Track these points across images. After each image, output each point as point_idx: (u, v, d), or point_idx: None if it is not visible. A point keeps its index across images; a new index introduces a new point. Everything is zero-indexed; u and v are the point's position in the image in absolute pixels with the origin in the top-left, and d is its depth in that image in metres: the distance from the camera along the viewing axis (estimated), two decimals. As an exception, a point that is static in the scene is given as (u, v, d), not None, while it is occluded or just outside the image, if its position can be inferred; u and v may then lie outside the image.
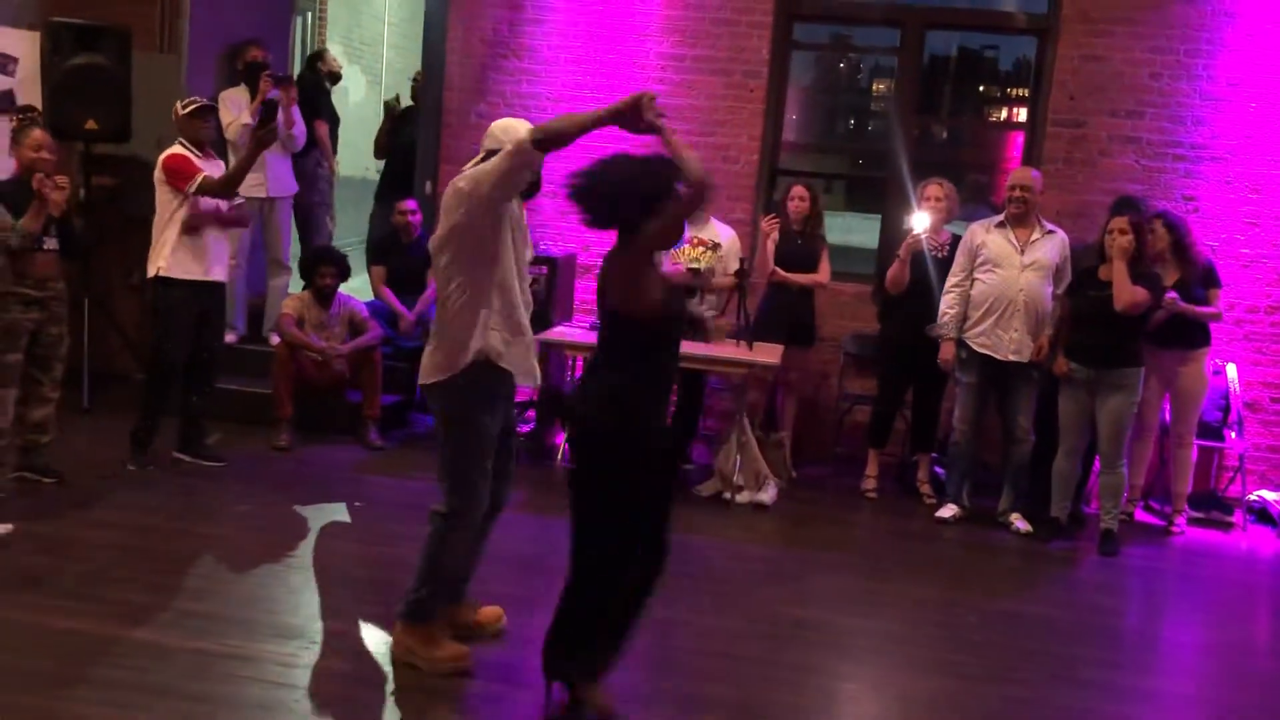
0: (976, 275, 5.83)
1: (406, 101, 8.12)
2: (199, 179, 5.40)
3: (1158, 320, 5.68)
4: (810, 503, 6.10)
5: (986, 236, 5.83)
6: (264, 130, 5.53)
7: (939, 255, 6.03)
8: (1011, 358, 5.74)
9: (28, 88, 6.62)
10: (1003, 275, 5.74)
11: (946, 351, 5.88)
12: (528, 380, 3.68)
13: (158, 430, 5.65)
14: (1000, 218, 5.87)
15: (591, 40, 7.03)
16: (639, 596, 3.36)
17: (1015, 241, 5.77)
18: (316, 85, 7.67)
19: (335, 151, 7.94)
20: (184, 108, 5.59)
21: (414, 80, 8.11)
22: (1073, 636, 4.55)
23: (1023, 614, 4.76)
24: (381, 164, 8.09)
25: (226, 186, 5.47)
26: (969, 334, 5.83)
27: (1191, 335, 5.87)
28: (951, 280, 5.88)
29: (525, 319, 3.67)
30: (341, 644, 3.88)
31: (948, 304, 5.87)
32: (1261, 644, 4.80)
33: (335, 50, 9.97)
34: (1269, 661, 4.61)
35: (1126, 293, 5.36)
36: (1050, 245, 5.78)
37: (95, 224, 6.50)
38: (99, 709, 3.30)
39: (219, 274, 5.63)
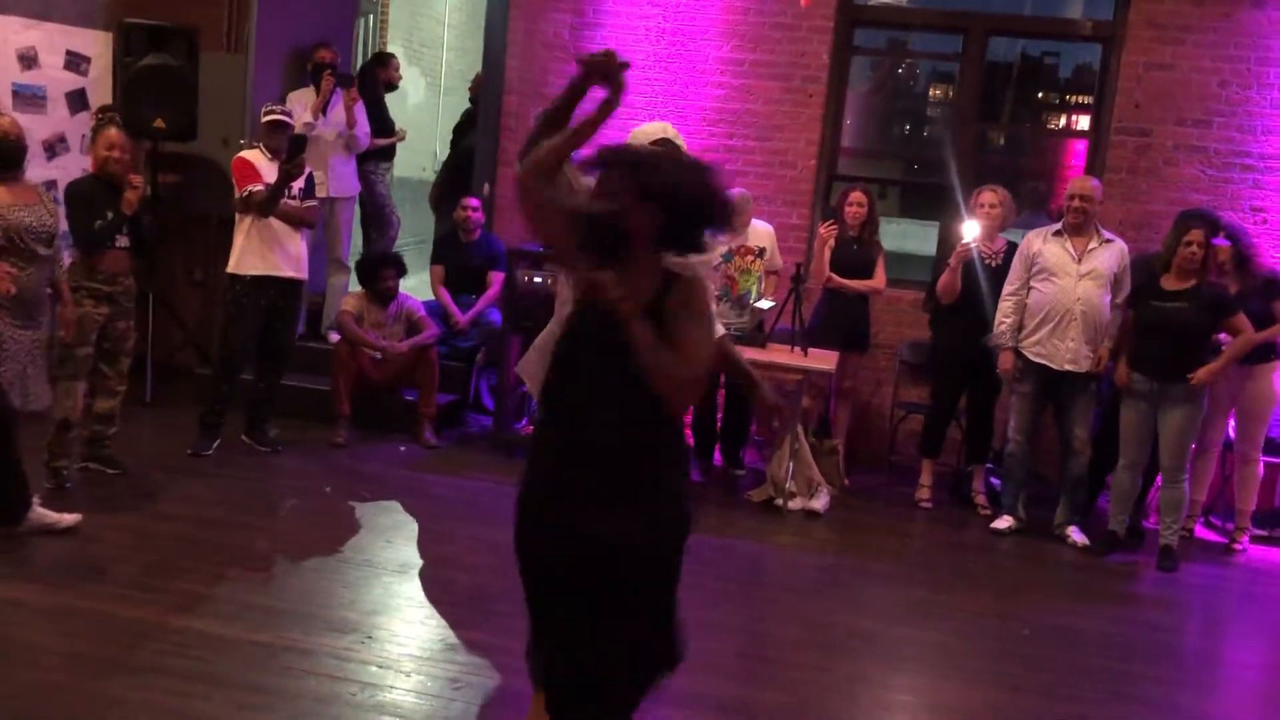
0: (1033, 284, 5.75)
1: (464, 105, 8.20)
2: (246, 191, 5.64)
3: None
4: (863, 511, 6.07)
5: (1043, 245, 5.76)
6: (291, 165, 5.66)
7: (993, 264, 5.97)
8: (1068, 368, 5.66)
9: (100, 87, 6.78)
10: (1059, 284, 5.67)
11: (1005, 361, 5.81)
12: None
13: (224, 420, 5.80)
14: (1058, 226, 5.79)
15: (651, 44, 7.04)
16: None
17: (1072, 250, 5.69)
18: (374, 89, 7.73)
19: (395, 153, 8.02)
20: (264, 116, 5.77)
21: (472, 84, 8.19)
22: (1130, 653, 4.49)
23: (1078, 628, 4.70)
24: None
25: (261, 209, 5.64)
26: (1025, 343, 5.76)
27: (1257, 349, 5.74)
28: (1008, 289, 5.82)
29: None
30: (396, 639, 3.92)
31: (1004, 312, 5.80)
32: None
33: (395, 50, 10.08)
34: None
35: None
36: (1108, 254, 5.70)
37: (160, 221, 6.64)
38: (161, 696, 3.36)
39: (290, 270, 5.76)
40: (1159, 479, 5.69)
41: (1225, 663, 4.81)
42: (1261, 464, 6.01)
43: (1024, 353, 5.77)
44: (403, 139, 7.92)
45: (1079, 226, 5.70)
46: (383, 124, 7.56)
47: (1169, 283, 5.48)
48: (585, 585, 2.54)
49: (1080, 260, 5.67)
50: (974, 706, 3.88)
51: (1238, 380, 5.79)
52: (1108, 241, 5.73)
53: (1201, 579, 5.53)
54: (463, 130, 8.19)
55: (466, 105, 8.31)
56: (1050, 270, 5.70)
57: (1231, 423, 5.98)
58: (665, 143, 3.12)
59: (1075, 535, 5.75)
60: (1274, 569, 5.82)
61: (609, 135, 2.82)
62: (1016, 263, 5.83)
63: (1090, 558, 5.62)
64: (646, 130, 3.36)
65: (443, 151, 8.66)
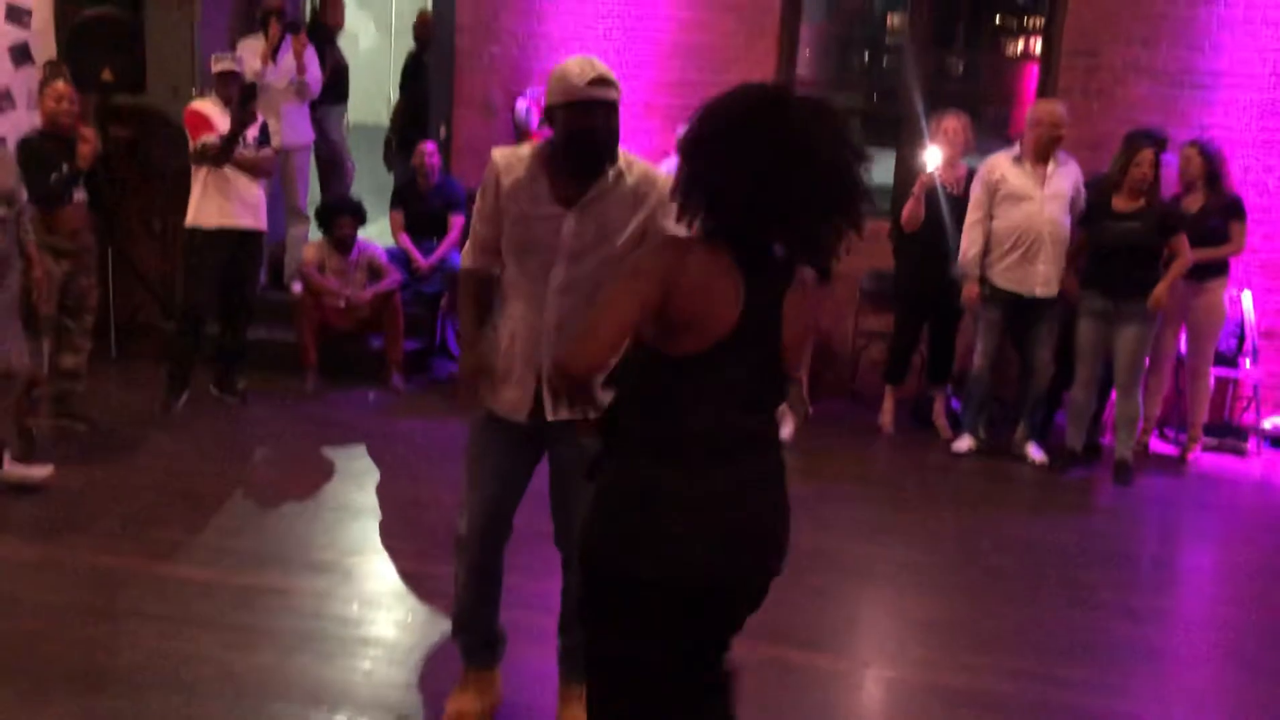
0: (997, 211, 5.78)
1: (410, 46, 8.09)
2: (200, 142, 5.60)
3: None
4: (828, 437, 6.18)
5: (1006, 170, 5.79)
6: (243, 112, 5.61)
7: (955, 191, 6.03)
8: (1039, 293, 5.73)
9: (43, 40, 6.65)
10: (1026, 210, 5.70)
11: (971, 291, 5.85)
12: None
13: (191, 373, 5.82)
14: (1016, 150, 5.84)
15: (603, -23, 6.99)
16: None
17: (1036, 174, 5.75)
18: (321, 35, 7.62)
19: (347, 96, 7.94)
20: (213, 66, 5.73)
21: (415, 25, 8.07)
22: (1087, 562, 4.65)
23: (1038, 541, 4.85)
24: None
25: (215, 159, 5.60)
26: (993, 271, 5.81)
27: (1208, 264, 5.86)
28: (973, 217, 5.83)
29: None
30: (374, 576, 4.02)
31: (970, 241, 5.82)
32: (1271, 566, 4.87)
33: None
34: (1275, 582, 4.68)
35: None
36: (1067, 175, 5.76)
37: (115, 175, 6.57)
38: (147, 639, 3.44)
39: (249, 220, 5.75)
40: (1114, 395, 5.84)
41: (1178, 567, 4.99)
42: (1212, 377, 6.18)
43: (992, 280, 5.82)
44: (344, 65, 7.79)
45: (1047, 152, 5.74)
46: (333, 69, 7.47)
47: (1120, 203, 5.58)
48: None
49: (1044, 184, 5.74)
50: (938, 617, 4.03)
51: (1189, 296, 5.92)
52: (1064, 163, 5.80)
53: (1156, 490, 5.71)
54: (410, 74, 8.09)
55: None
56: (1016, 195, 5.72)
57: (1182, 337, 6.13)
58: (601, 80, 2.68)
59: (1034, 453, 5.90)
60: (1224, 478, 6.01)
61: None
62: (979, 189, 5.84)
63: (1049, 474, 5.77)
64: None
65: (396, 97, 8.57)
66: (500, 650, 3.17)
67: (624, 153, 2.80)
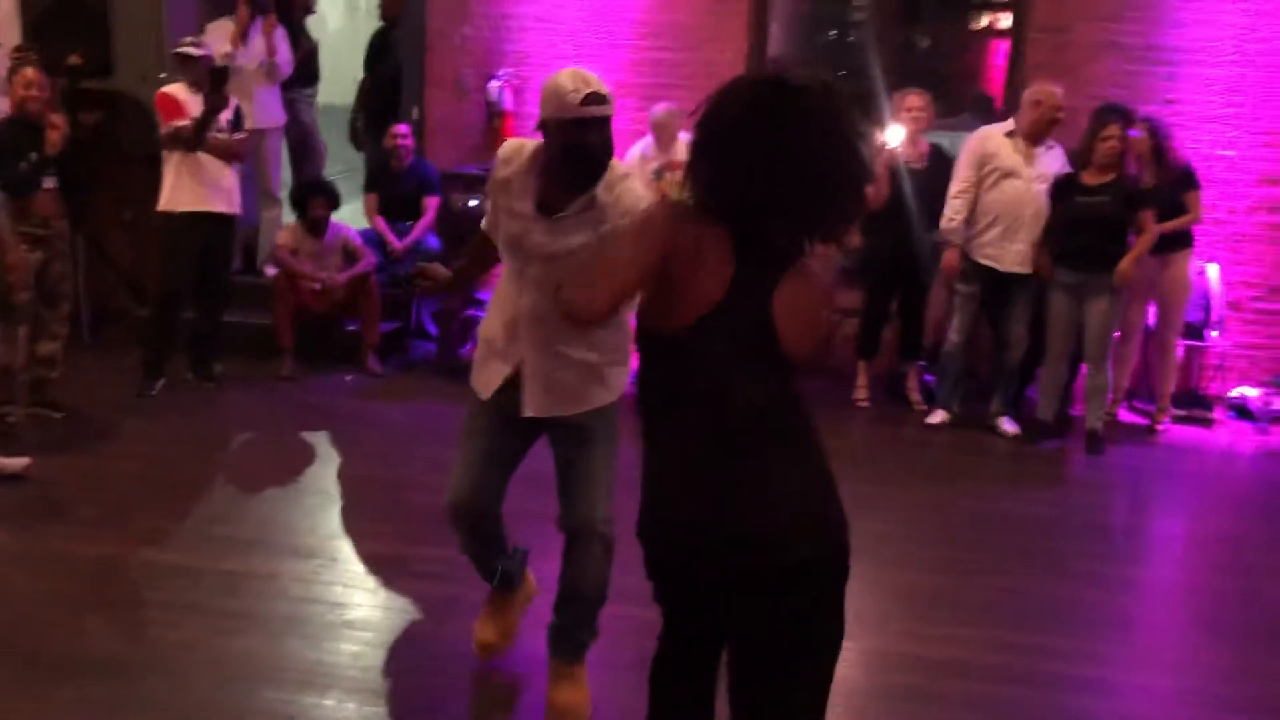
0: (983, 184, 5.80)
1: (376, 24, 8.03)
2: (171, 127, 5.58)
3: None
4: (804, 413, 6.23)
5: (999, 145, 5.80)
6: (215, 97, 5.58)
7: (917, 167, 6.08)
8: (1015, 269, 5.80)
9: (7, 24, 6.57)
10: (1015, 188, 5.75)
11: (952, 258, 5.89)
12: None
13: (167, 358, 5.80)
14: (1010, 126, 5.85)
15: (575, -42, 6.98)
16: None
17: (1027, 153, 5.78)
18: (287, 15, 7.54)
19: (318, 78, 7.89)
20: (172, 52, 5.69)
21: (381, 3, 8.00)
22: (1061, 532, 4.74)
23: (1014, 512, 4.94)
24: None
25: (187, 144, 5.57)
26: (972, 245, 5.86)
27: (1173, 237, 5.95)
28: (958, 186, 5.85)
29: None
30: (359, 560, 4.03)
31: (954, 210, 5.84)
32: (1239, 534, 4.99)
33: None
34: (1246, 551, 4.79)
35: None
36: (1054, 159, 5.82)
37: (84, 160, 6.50)
38: (135, 626, 3.46)
39: (222, 205, 5.72)
40: (1084, 368, 5.93)
41: (1149, 535, 5.10)
42: (1180, 348, 6.28)
43: (970, 255, 5.88)
44: (314, 46, 7.72)
45: (1043, 133, 5.76)
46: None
47: (1089, 177, 5.65)
48: None
49: (1032, 164, 5.79)
50: (918, 589, 4.10)
51: (1156, 268, 6.01)
52: (1052, 147, 5.85)
53: (1126, 460, 5.81)
54: (377, 52, 8.02)
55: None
56: (1006, 171, 5.76)
57: (1150, 309, 6.23)
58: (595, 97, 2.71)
59: (1007, 425, 5.99)
60: (1193, 447, 6.13)
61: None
62: (968, 160, 5.85)
63: (1022, 446, 5.86)
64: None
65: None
66: (519, 573, 3.38)
67: (613, 167, 2.81)
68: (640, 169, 6.14)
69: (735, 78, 2.12)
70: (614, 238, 2.20)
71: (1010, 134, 5.84)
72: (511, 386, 2.94)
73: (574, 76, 2.70)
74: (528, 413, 2.92)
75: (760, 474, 2.08)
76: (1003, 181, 5.78)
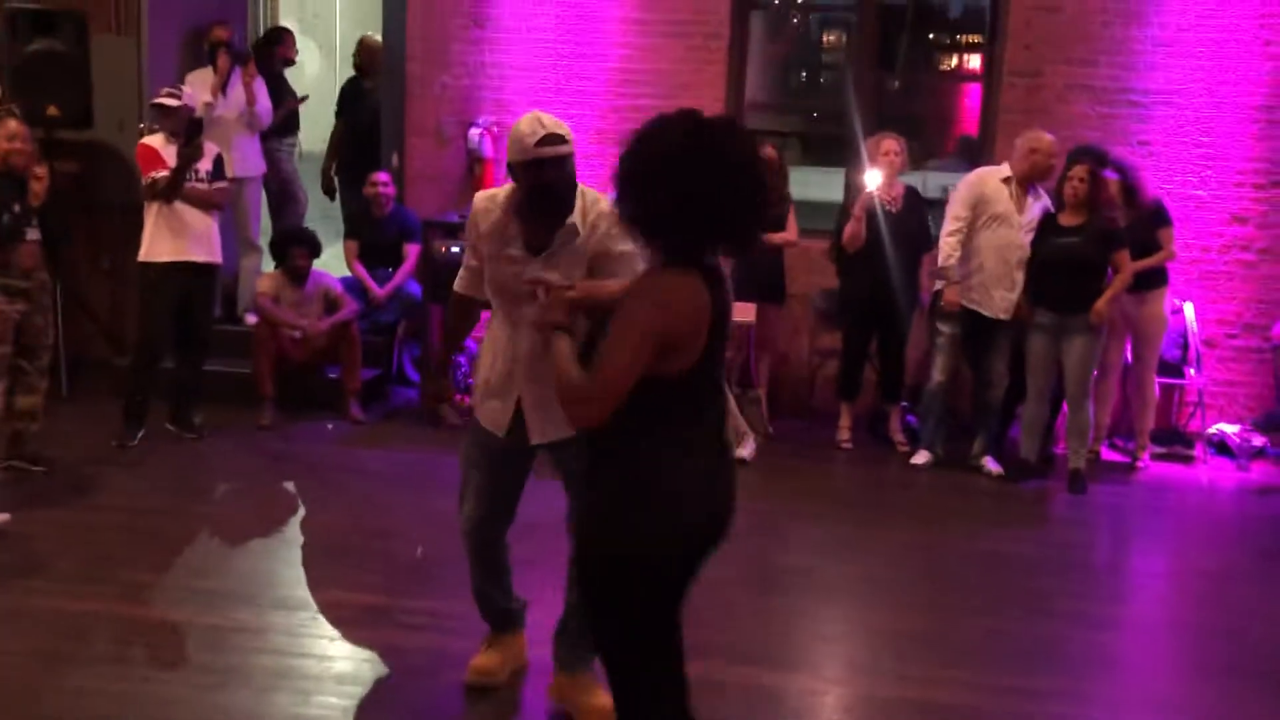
0: (976, 226, 5.83)
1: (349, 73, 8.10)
2: (150, 178, 5.59)
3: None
4: (788, 456, 6.26)
5: (995, 190, 5.84)
6: (190, 147, 5.61)
7: (893, 210, 6.13)
8: (1001, 316, 5.85)
9: (-14, 76, 6.57)
10: (1005, 235, 5.80)
11: (952, 294, 5.89)
12: None
13: (148, 408, 5.76)
14: (1006, 172, 5.88)
15: (554, 6, 7.04)
16: None
17: (1019, 200, 5.82)
18: (270, 66, 7.58)
19: (298, 128, 7.92)
20: (151, 102, 5.71)
21: (356, 52, 8.05)
22: (1046, 571, 4.76)
23: (998, 552, 4.96)
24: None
25: (165, 194, 5.58)
26: (958, 286, 5.90)
27: (1149, 276, 6.03)
28: (954, 225, 5.87)
29: None
30: (345, 613, 3.99)
31: (951, 247, 5.86)
32: (1223, 570, 5.02)
33: (289, 24, 9.89)
34: (1230, 587, 4.82)
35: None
36: (1038, 207, 5.89)
37: (62, 210, 6.48)
38: (121, 684, 3.41)
39: (202, 254, 5.71)
40: (1065, 407, 5.98)
41: (1132, 573, 5.12)
42: (1157, 386, 6.35)
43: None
44: (304, 100, 7.78)
45: (1037, 180, 5.84)
46: (282, 101, 7.44)
47: (1064, 219, 5.74)
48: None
49: (1024, 211, 5.85)
50: (904, 631, 4.10)
51: (1132, 306, 6.08)
52: (1040, 196, 5.92)
53: (1108, 498, 5.84)
54: (349, 100, 8.02)
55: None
56: (1000, 218, 5.81)
57: (1128, 346, 6.29)
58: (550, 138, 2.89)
59: (990, 465, 6.02)
60: (1173, 485, 6.17)
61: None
62: (964, 199, 5.88)
63: (1005, 485, 5.89)
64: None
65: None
66: (519, 619, 3.51)
67: (583, 192, 3.04)
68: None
69: (657, 120, 2.36)
70: (608, 348, 2.31)
71: (1006, 180, 5.88)
72: (514, 417, 3.15)
73: (531, 120, 2.92)
74: (534, 441, 3.13)
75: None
76: (995, 225, 5.83)
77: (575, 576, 2.99)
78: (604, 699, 3.02)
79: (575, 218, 3.00)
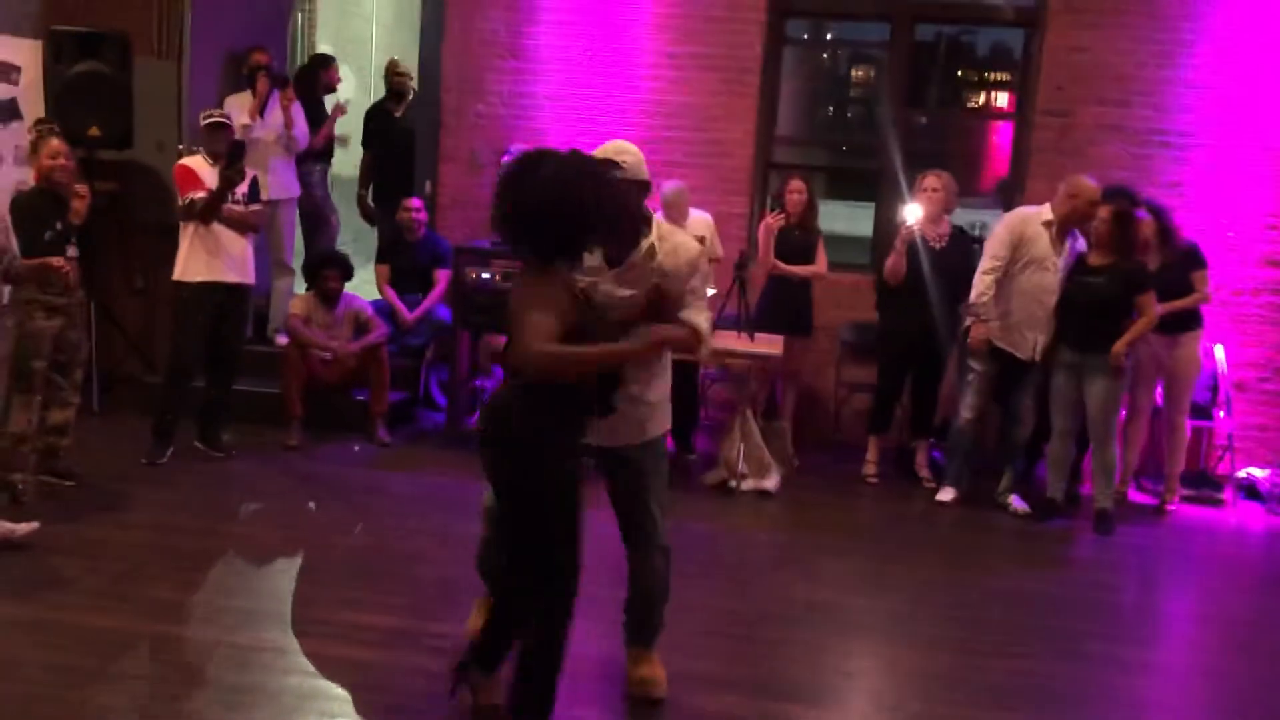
0: (1014, 268, 5.77)
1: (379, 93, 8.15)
2: (188, 199, 5.64)
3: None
4: (813, 489, 6.24)
5: (1038, 234, 5.77)
6: (232, 170, 5.65)
7: (938, 246, 6.14)
8: (1033, 358, 5.83)
9: (31, 96, 6.69)
10: (1040, 280, 5.76)
11: (980, 332, 5.84)
12: None
13: (177, 426, 5.81)
14: (1049, 215, 5.80)
15: (587, 39, 7.13)
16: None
17: (1056, 245, 5.77)
18: (312, 91, 7.67)
19: (332, 152, 8.01)
20: (203, 119, 5.76)
21: (389, 69, 8.11)
22: (1073, 612, 4.71)
23: (1024, 591, 4.91)
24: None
25: (203, 215, 5.64)
26: (992, 325, 5.85)
27: (1182, 318, 6.00)
28: (991, 263, 5.81)
29: None
30: (370, 634, 3.99)
31: (986, 285, 5.80)
32: (1253, 616, 4.96)
33: (325, 49, 10.03)
34: (1262, 633, 4.76)
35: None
36: (1074, 251, 5.86)
37: (99, 229, 6.58)
38: (147, 701, 3.42)
39: (235, 275, 5.76)
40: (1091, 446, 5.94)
41: (1160, 616, 5.06)
42: (1188, 428, 6.30)
43: (989, 335, 5.86)
44: (344, 113, 7.84)
45: (1076, 225, 5.80)
46: (321, 125, 7.53)
47: (1092, 258, 5.73)
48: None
49: (1060, 256, 5.81)
50: (929, 669, 4.06)
51: (1165, 348, 6.05)
52: (1077, 240, 5.88)
53: (1136, 540, 5.79)
54: (374, 129, 8.02)
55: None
56: (1038, 261, 5.76)
57: (1159, 389, 6.25)
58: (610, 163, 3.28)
59: (1016, 503, 5.98)
60: (1202, 528, 6.11)
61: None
62: (1004, 237, 5.80)
63: (1031, 524, 5.85)
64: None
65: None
66: None
67: (660, 224, 3.41)
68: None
69: (520, 161, 3.02)
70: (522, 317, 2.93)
71: (1048, 223, 5.80)
72: None
73: (605, 149, 3.33)
74: (599, 444, 3.38)
75: None
76: (1033, 270, 5.77)
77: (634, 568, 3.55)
78: (645, 670, 3.62)
79: (655, 239, 3.33)
